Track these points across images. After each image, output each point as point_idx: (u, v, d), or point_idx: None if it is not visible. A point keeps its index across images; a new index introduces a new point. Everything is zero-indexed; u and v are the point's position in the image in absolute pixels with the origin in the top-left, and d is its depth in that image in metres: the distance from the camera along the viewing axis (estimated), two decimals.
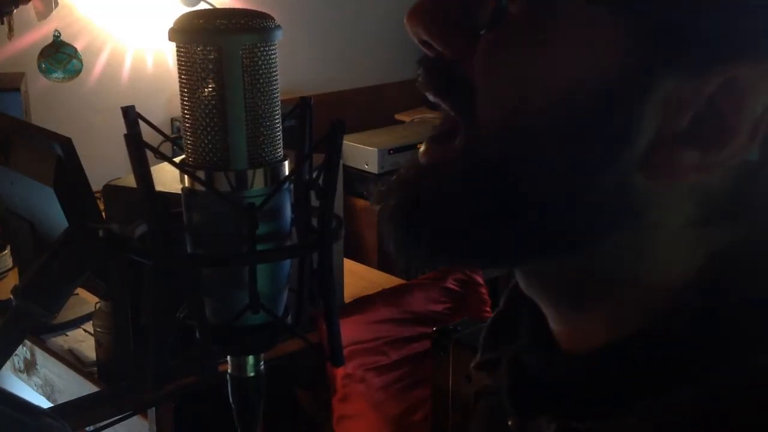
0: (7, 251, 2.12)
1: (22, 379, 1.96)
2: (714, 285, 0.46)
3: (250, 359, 0.64)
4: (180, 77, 0.58)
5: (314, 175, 0.63)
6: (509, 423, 0.53)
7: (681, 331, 0.45)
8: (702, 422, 0.42)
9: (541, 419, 0.49)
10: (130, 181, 1.56)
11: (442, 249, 0.49)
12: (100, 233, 0.63)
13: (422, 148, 0.50)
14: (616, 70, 0.42)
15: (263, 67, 0.58)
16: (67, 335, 1.90)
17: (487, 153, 0.45)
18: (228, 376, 0.65)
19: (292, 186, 0.62)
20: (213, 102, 0.57)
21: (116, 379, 1.68)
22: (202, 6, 2.76)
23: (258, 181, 0.59)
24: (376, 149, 3.15)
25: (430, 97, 0.49)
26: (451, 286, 2.17)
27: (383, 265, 3.08)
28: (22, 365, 1.94)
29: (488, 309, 2.19)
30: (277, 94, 0.59)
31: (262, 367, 0.65)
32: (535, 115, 0.44)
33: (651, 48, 0.42)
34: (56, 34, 2.60)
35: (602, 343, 0.48)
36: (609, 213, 0.45)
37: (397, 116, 3.68)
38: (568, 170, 0.44)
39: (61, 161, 1.55)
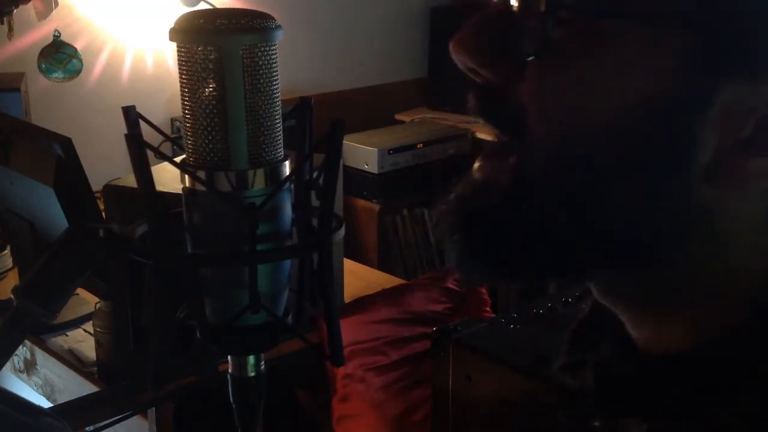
0: (7, 251, 2.12)
1: (22, 379, 1.95)
2: None
3: (251, 359, 0.64)
4: (180, 77, 0.58)
5: (314, 175, 0.63)
6: (596, 424, 0.52)
7: (763, 334, 0.45)
8: None
9: (629, 420, 0.49)
10: (130, 181, 1.56)
11: (503, 266, 0.49)
12: (101, 233, 0.63)
13: (476, 164, 0.50)
14: (672, 85, 0.42)
15: (264, 67, 0.58)
16: (67, 335, 1.90)
17: (545, 172, 0.45)
18: (228, 375, 0.65)
19: (292, 186, 0.62)
20: (213, 102, 0.57)
21: (116, 379, 1.68)
22: (203, 6, 2.76)
23: (258, 181, 0.59)
24: (376, 149, 3.15)
25: (481, 123, 0.49)
26: (451, 286, 2.17)
27: (383, 265, 3.08)
28: (22, 365, 1.94)
29: (488, 309, 2.19)
30: (277, 94, 0.59)
31: (263, 367, 0.65)
32: (592, 137, 0.44)
33: (707, 60, 0.41)
34: (56, 34, 2.60)
35: (684, 346, 0.48)
36: (676, 225, 0.45)
37: (397, 116, 3.68)
38: (630, 187, 0.44)
39: (61, 161, 1.55)
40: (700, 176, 0.43)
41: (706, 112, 0.42)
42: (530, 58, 0.45)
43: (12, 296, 0.64)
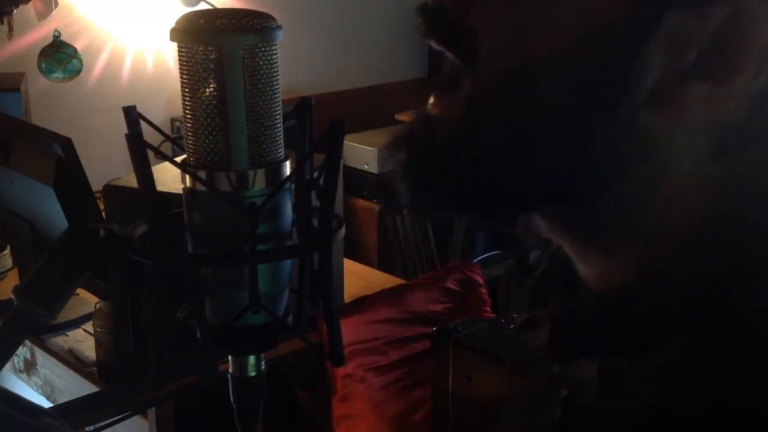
0: (7, 251, 2.12)
1: (22, 379, 1.96)
2: (731, 217, 0.46)
3: (251, 359, 0.64)
4: (181, 77, 0.58)
5: (315, 175, 0.63)
6: (554, 369, 0.53)
7: (702, 265, 0.46)
8: (734, 351, 0.42)
9: (583, 362, 0.49)
10: (130, 181, 1.56)
11: (449, 201, 0.49)
12: (101, 233, 0.63)
13: (430, 99, 0.50)
14: (620, 8, 0.43)
15: (264, 67, 0.58)
16: (67, 335, 1.90)
17: (491, 103, 0.46)
18: (229, 375, 0.65)
19: (293, 186, 0.62)
20: (214, 102, 0.57)
21: (116, 379, 1.68)
22: (203, 6, 2.76)
23: (259, 181, 0.59)
24: (376, 149, 3.15)
25: (434, 45, 0.49)
26: (451, 286, 2.17)
27: (383, 265, 3.08)
28: (22, 365, 1.94)
29: (488, 309, 2.19)
30: (278, 94, 0.59)
31: (263, 367, 0.65)
32: (538, 60, 0.44)
33: None
34: (56, 34, 2.60)
35: (625, 280, 0.48)
36: (618, 156, 0.45)
37: (397, 116, 3.68)
38: (574, 115, 0.44)
39: (61, 161, 1.55)
40: (643, 104, 0.44)
41: (650, 38, 0.42)
42: None
43: (13, 296, 0.64)
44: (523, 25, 0.44)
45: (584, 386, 0.48)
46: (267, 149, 0.59)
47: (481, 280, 2.23)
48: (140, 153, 0.57)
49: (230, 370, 0.65)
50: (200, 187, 0.59)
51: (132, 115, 0.58)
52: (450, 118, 0.48)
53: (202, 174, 0.59)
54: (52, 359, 1.83)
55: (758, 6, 0.42)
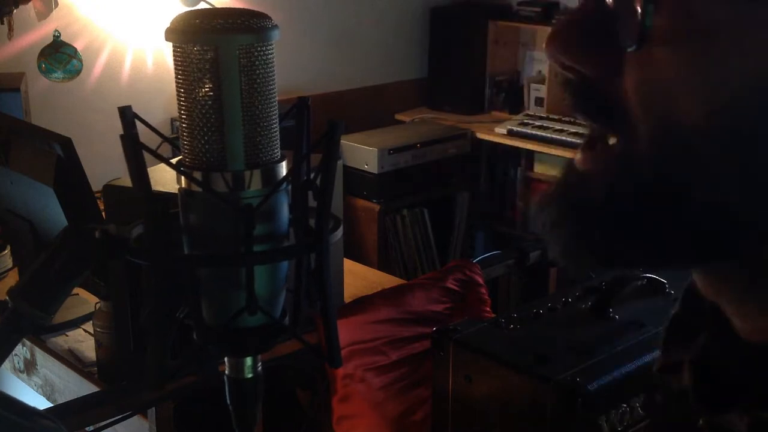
0: (7, 251, 2.12)
1: (22, 379, 1.96)
2: None
3: (248, 361, 0.64)
4: (176, 77, 0.58)
5: (312, 175, 0.63)
6: (700, 423, 0.52)
7: None
8: None
9: (732, 414, 0.48)
10: (130, 181, 1.56)
11: (611, 255, 0.49)
12: (97, 234, 0.63)
13: (577, 156, 0.49)
14: None
15: (260, 67, 0.57)
16: (67, 335, 1.90)
17: (649, 166, 0.45)
18: (225, 377, 0.64)
19: (289, 186, 0.62)
20: (210, 102, 0.57)
21: (116, 379, 1.68)
22: (202, 6, 2.76)
23: (255, 182, 0.59)
24: (376, 149, 3.15)
25: (582, 120, 0.48)
26: (451, 286, 2.17)
27: (383, 265, 3.08)
28: (22, 365, 1.94)
29: (488, 309, 2.19)
30: (274, 95, 0.59)
31: (260, 368, 0.65)
32: (698, 127, 0.43)
33: None
34: (56, 34, 2.60)
35: None
36: None
37: (397, 116, 3.68)
38: (735, 176, 0.43)
39: (61, 161, 1.55)
40: None
41: None
42: (629, 50, 0.44)
43: (8, 298, 0.64)
44: (680, 90, 0.43)
45: None
46: (263, 149, 0.59)
47: (481, 280, 2.23)
48: (135, 154, 0.57)
49: (227, 372, 0.64)
50: (196, 188, 0.59)
51: (128, 115, 0.58)
52: (602, 172, 0.47)
53: (197, 175, 0.58)
54: (52, 359, 1.83)
55: None
